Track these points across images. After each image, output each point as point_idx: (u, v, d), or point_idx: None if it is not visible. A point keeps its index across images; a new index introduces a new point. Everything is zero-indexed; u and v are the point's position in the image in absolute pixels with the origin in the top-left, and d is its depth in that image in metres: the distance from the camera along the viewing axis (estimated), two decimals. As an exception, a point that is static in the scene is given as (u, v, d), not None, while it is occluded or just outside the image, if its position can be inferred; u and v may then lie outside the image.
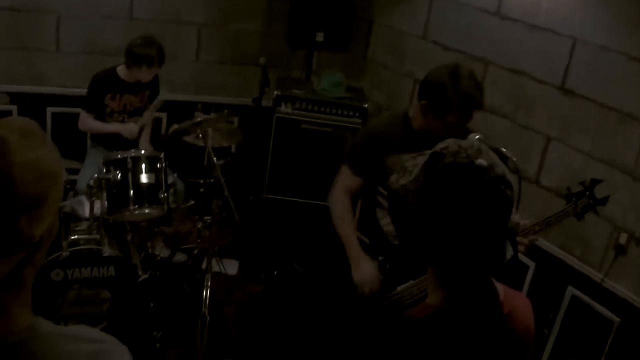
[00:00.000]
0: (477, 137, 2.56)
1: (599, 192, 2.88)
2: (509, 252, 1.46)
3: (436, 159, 1.41)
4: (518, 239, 2.86)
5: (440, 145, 1.44)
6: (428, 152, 1.46)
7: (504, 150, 2.45)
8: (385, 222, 3.19)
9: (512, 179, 1.45)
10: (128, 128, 4.56)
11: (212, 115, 4.33)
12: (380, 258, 3.09)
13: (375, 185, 3.15)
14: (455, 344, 1.44)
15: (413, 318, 1.51)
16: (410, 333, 1.46)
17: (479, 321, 1.47)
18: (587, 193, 2.87)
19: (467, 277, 1.47)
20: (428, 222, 1.40)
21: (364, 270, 3.09)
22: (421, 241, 1.44)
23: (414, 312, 1.55)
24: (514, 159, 2.51)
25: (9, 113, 4.94)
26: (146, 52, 4.37)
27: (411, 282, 2.78)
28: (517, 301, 1.62)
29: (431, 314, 1.48)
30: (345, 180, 3.20)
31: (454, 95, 2.78)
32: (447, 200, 1.37)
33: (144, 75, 4.46)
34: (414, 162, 1.47)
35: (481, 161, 1.38)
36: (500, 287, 1.56)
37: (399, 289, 2.84)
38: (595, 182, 2.87)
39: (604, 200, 2.89)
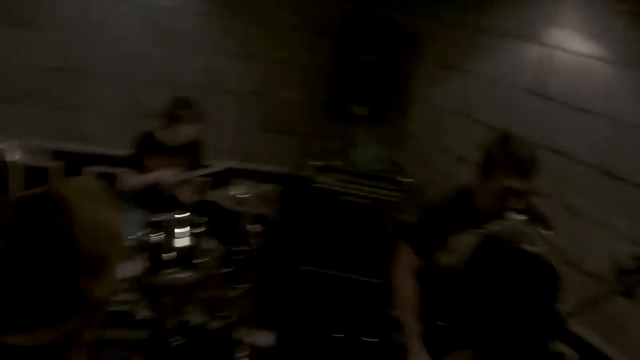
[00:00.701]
0: (518, 217, 2.52)
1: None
2: (553, 347, 1.45)
3: (490, 242, 1.40)
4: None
5: (493, 228, 1.42)
6: (474, 230, 1.45)
7: (545, 232, 2.41)
8: None
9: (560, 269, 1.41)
10: (165, 174, 4.59)
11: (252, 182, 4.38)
12: (438, 322, 3.01)
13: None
14: None
15: None
16: None
17: None
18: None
19: None
20: (474, 301, 1.41)
21: None
22: (464, 322, 1.40)
23: None
24: (552, 233, 2.44)
25: (46, 170, 5.01)
26: (179, 111, 4.46)
27: (455, 354, 2.72)
28: None
29: None
30: (406, 260, 3.04)
31: (498, 153, 2.79)
32: (494, 282, 1.38)
33: (181, 133, 4.51)
34: (459, 241, 1.46)
35: (530, 247, 1.39)
36: None
37: None
38: None
39: None
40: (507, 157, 2.78)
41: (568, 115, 4.14)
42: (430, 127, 5.40)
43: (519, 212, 2.06)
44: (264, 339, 4.81)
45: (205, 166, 4.90)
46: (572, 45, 4.12)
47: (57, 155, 5.13)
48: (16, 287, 1.18)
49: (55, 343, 1.21)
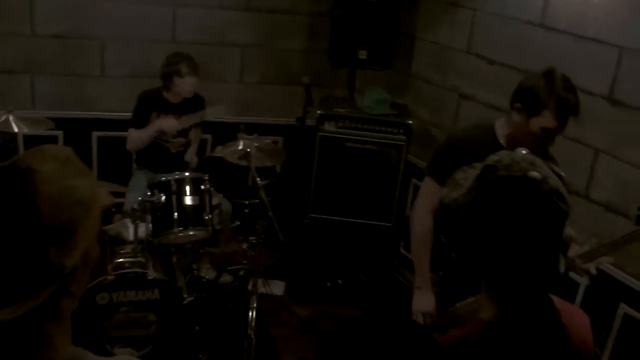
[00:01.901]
0: (523, 151, 2.50)
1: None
2: (563, 266, 1.43)
3: (489, 171, 1.40)
4: (584, 265, 2.76)
5: (493, 158, 1.43)
6: (478, 164, 1.44)
7: (555, 168, 2.38)
8: None
9: (566, 191, 1.42)
10: (167, 122, 4.57)
11: (255, 135, 4.35)
12: (440, 273, 3.03)
13: None
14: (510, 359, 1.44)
15: (463, 336, 1.48)
16: (462, 351, 1.44)
17: (535, 336, 1.46)
18: None
19: (519, 290, 1.45)
20: (480, 235, 1.39)
21: (424, 301, 3.04)
22: (473, 254, 1.43)
23: (461, 329, 1.52)
24: (563, 174, 2.44)
25: (54, 138, 5.05)
26: (174, 66, 4.44)
27: (470, 298, 2.72)
28: (573, 315, 1.60)
29: (484, 329, 1.47)
30: (431, 194, 3.01)
31: (549, 94, 2.73)
32: (499, 213, 1.36)
33: (182, 88, 4.49)
34: (465, 175, 1.47)
35: (534, 173, 1.37)
36: (556, 301, 1.54)
37: (457, 305, 2.79)
38: None
39: None
40: (557, 99, 2.73)
41: (574, 45, 4.05)
42: (435, 67, 5.31)
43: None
44: (275, 289, 4.85)
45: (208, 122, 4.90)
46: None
47: (64, 122, 5.11)
48: None
49: (30, 315, 1.20)
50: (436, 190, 2.89)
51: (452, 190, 1.46)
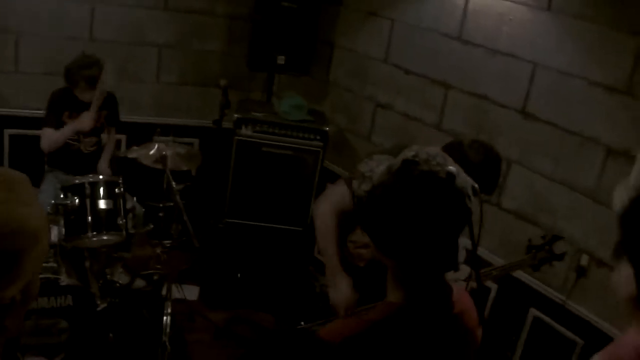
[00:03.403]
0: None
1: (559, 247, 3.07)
2: (462, 256, 1.60)
3: (410, 165, 1.48)
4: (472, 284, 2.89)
5: (409, 153, 1.51)
6: (378, 156, 1.57)
7: (475, 185, 2.47)
8: (358, 248, 3.20)
9: (472, 190, 1.53)
10: (81, 121, 4.40)
11: (171, 138, 4.28)
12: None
13: None
14: (414, 340, 1.56)
15: (377, 317, 1.58)
16: (376, 330, 1.55)
17: (434, 318, 1.59)
18: (547, 247, 3.02)
19: (426, 275, 1.57)
20: (396, 223, 1.48)
21: (342, 290, 3.07)
22: (387, 240, 1.53)
23: (376, 311, 1.62)
24: (476, 185, 2.55)
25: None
26: (72, 78, 4.30)
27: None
28: (466, 302, 1.72)
29: (394, 311, 1.58)
30: (342, 198, 3.04)
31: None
32: (420, 204, 1.45)
33: (86, 97, 4.36)
34: (369, 167, 1.56)
35: (451, 168, 1.48)
36: (454, 288, 1.67)
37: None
38: (556, 238, 3.04)
39: (561, 256, 3.05)
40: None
41: (489, 59, 4.19)
42: (352, 75, 5.37)
43: None
44: (189, 293, 4.78)
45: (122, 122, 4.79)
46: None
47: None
48: None
49: None
50: (347, 195, 2.95)
51: (361, 183, 1.54)
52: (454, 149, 2.88)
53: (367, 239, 2.87)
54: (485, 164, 2.79)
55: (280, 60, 5.26)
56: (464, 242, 1.62)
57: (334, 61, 5.56)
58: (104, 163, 4.74)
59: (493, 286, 4.18)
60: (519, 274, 4.03)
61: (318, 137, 5.07)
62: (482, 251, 4.09)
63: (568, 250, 3.12)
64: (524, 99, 3.99)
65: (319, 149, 5.04)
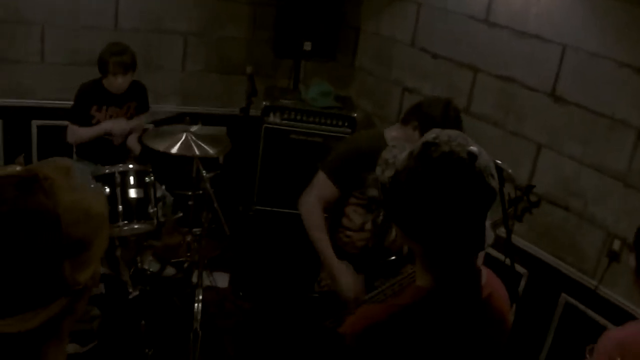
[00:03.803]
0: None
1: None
2: (490, 238, 1.55)
3: (431, 147, 1.48)
4: None
5: (430, 135, 1.52)
6: (401, 145, 1.59)
7: (498, 162, 2.48)
8: (349, 234, 3.31)
9: (494, 169, 1.53)
10: (118, 124, 4.49)
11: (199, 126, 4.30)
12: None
13: (351, 192, 3.27)
14: (444, 325, 1.55)
15: (406, 302, 1.59)
16: (406, 315, 1.55)
17: (464, 303, 1.58)
18: (525, 197, 3.19)
19: (453, 259, 1.56)
20: (422, 207, 1.48)
21: (348, 277, 3.18)
22: (414, 225, 1.52)
23: (405, 296, 1.62)
24: (509, 170, 2.60)
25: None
26: (104, 62, 4.32)
27: (381, 287, 2.84)
28: (496, 286, 1.71)
29: (424, 296, 1.57)
30: (323, 189, 3.28)
31: (443, 122, 2.96)
32: (443, 185, 1.45)
33: (120, 83, 4.39)
34: (393, 154, 1.57)
35: (473, 148, 1.48)
36: (484, 271, 1.66)
37: (367, 296, 2.91)
38: (530, 187, 3.23)
39: (538, 203, 3.25)
40: (448, 125, 2.94)
41: (517, 41, 4.14)
42: (378, 60, 5.35)
43: None
44: (219, 281, 4.82)
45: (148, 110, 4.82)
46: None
47: (3, 111, 4.99)
48: (4, 273, 1.11)
49: (33, 333, 1.14)
50: (330, 189, 3.25)
51: (384, 169, 1.55)
52: (415, 110, 3.18)
53: (357, 224, 3.00)
54: (445, 117, 3.05)
55: (307, 46, 5.25)
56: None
57: (360, 46, 5.54)
58: (133, 139, 4.75)
59: (524, 272, 4.16)
60: (549, 259, 4.01)
61: (346, 124, 5.06)
62: (512, 237, 4.08)
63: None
64: (553, 82, 3.93)
65: (347, 135, 5.02)
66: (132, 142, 4.74)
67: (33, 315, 1.12)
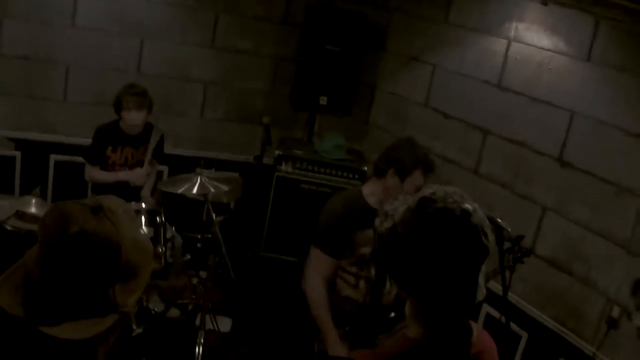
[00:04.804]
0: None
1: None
2: (481, 294, 1.57)
3: (426, 203, 1.53)
4: None
5: (427, 191, 1.57)
6: (404, 197, 1.62)
7: (499, 220, 2.55)
8: (346, 293, 3.36)
9: (489, 227, 1.56)
10: (136, 174, 4.58)
11: (212, 171, 4.38)
12: (347, 328, 3.26)
13: (343, 253, 3.33)
14: None
15: (395, 350, 1.61)
16: None
17: (451, 357, 1.59)
18: (516, 247, 3.22)
19: (444, 312, 1.58)
20: (415, 260, 1.52)
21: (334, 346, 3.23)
22: (407, 277, 1.56)
23: (393, 345, 1.66)
24: (509, 229, 2.66)
25: (12, 159, 5.02)
26: (120, 99, 4.41)
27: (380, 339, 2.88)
28: (487, 343, 1.73)
29: (412, 346, 1.59)
30: (321, 266, 3.35)
31: (416, 158, 3.20)
32: (435, 241, 1.50)
33: (134, 119, 4.44)
34: (393, 207, 1.61)
35: (467, 206, 1.52)
36: (475, 328, 1.67)
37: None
38: (520, 237, 3.22)
39: (529, 252, 3.37)
40: (423, 161, 3.23)
41: (528, 107, 4.23)
42: (393, 118, 5.45)
43: None
44: (222, 325, 4.83)
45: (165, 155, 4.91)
46: (533, 40, 4.21)
47: (21, 144, 5.11)
48: (66, 284, 1.30)
49: (89, 342, 1.33)
50: (327, 261, 3.32)
51: (383, 221, 1.60)
52: (386, 160, 3.28)
53: (351, 282, 2.99)
54: (414, 154, 3.22)
55: (323, 100, 5.37)
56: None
57: (375, 103, 5.65)
58: (147, 191, 4.83)
59: (523, 335, 4.16)
60: (549, 322, 4.02)
61: (356, 176, 5.15)
62: (513, 297, 4.10)
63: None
64: (561, 147, 4.01)
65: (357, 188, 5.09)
66: (145, 195, 4.80)
67: (91, 323, 1.31)
